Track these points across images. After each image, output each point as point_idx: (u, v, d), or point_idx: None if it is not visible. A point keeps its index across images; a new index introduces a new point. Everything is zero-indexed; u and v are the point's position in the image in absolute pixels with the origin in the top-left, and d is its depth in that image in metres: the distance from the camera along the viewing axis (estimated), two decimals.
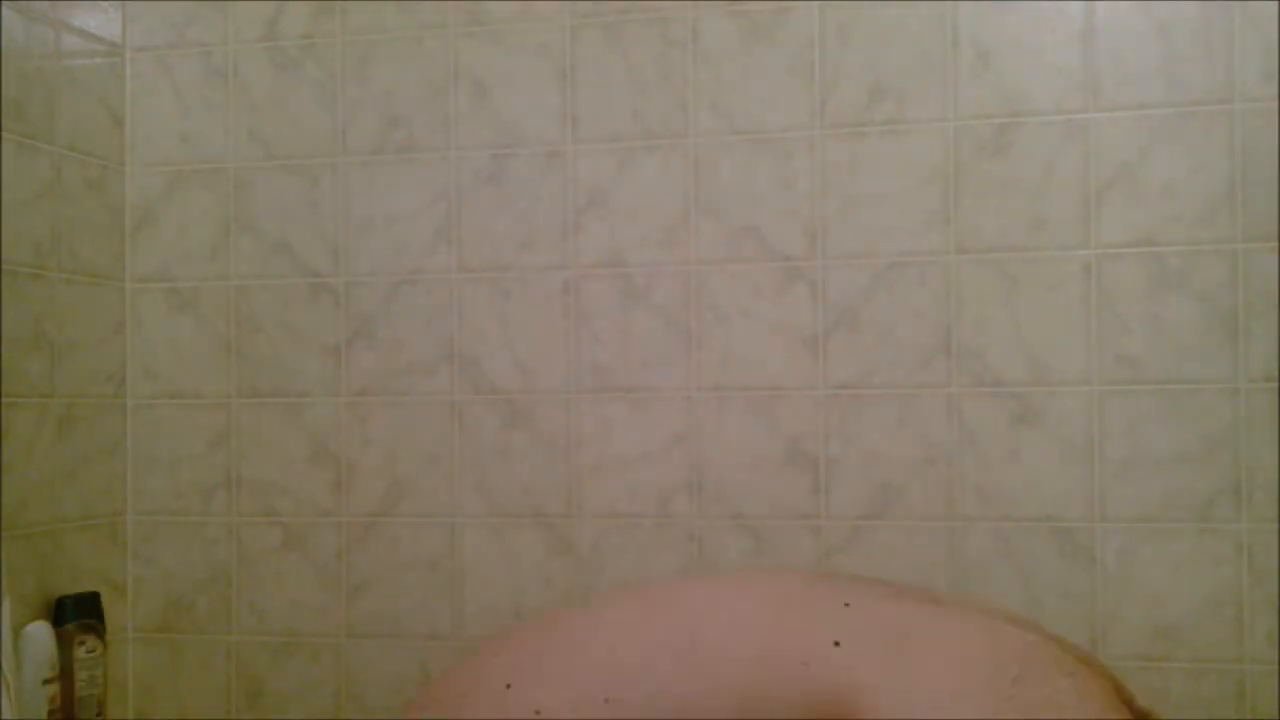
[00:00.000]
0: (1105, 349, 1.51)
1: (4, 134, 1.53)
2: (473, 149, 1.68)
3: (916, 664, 1.19)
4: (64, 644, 1.55)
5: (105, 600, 1.64)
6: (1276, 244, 1.47)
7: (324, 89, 1.72)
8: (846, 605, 1.24)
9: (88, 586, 1.64)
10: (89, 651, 1.58)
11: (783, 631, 1.24)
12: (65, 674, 1.54)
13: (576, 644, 1.29)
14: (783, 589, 1.31)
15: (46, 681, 1.50)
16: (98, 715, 1.59)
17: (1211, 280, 1.48)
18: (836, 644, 1.20)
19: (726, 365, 1.60)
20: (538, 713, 1.24)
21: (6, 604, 1.45)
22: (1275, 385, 1.47)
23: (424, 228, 1.69)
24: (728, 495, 1.60)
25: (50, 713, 1.50)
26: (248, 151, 1.74)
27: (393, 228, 1.70)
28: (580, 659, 1.27)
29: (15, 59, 1.57)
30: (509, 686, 1.26)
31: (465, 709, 1.28)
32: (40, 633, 1.52)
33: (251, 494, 1.73)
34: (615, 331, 1.63)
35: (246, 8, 1.75)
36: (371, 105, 1.71)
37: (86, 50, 1.71)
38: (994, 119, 1.54)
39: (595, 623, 1.33)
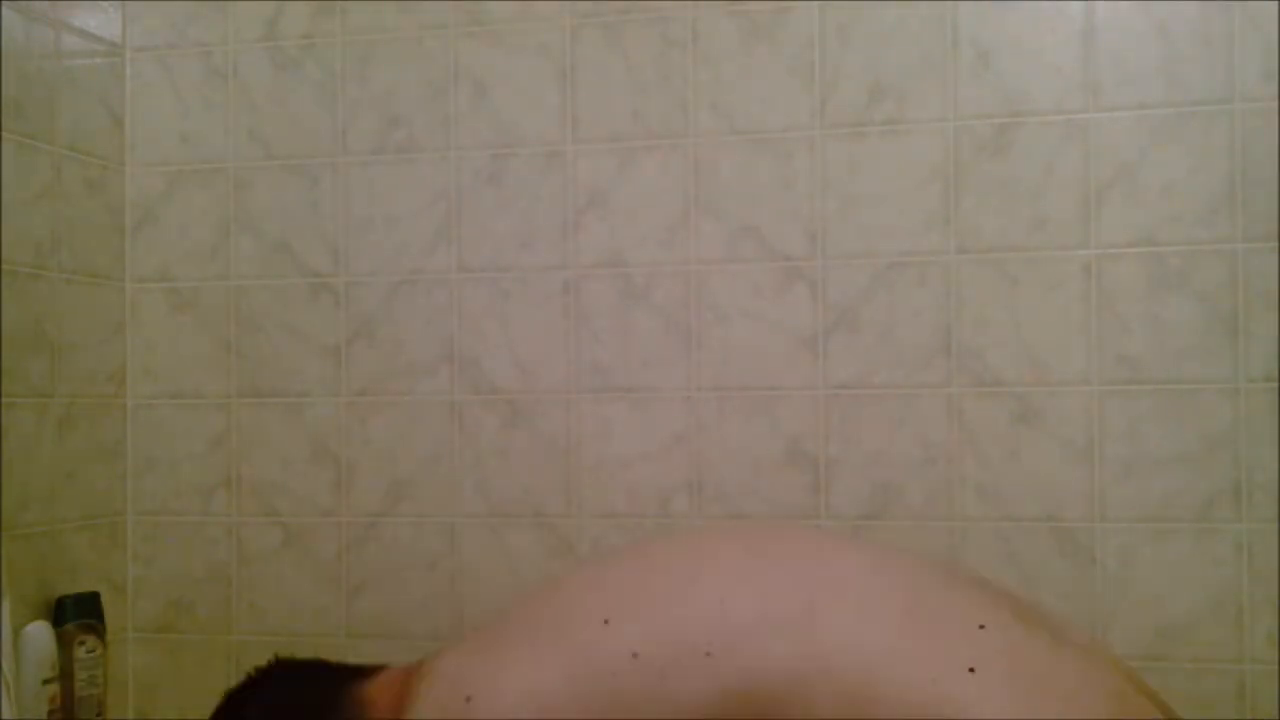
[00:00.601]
0: (1105, 349, 1.51)
1: (4, 134, 1.53)
2: (473, 149, 1.68)
3: (1044, 714, 1.08)
4: (64, 644, 1.55)
5: (105, 600, 1.64)
6: (1276, 244, 1.47)
7: (324, 89, 1.72)
8: (982, 627, 1.14)
9: (88, 586, 1.64)
10: (89, 651, 1.58)
11: (913, 635, 1.13)
12: (65, 674, 1.54)
13: (683, 590, 1.21)
14: (917, 582, 1.20)
15: (46, 681, 1.50)
16: (98, 715, 1.59)
17: (1211, 280, 1.48)
18: (971, 670, 1.09)
19: (726, 365, 1.60)
20: (635, 655, 1.17)
21: (6, 604, 1.45)
22: (1275, 385, 1.47)
23: (424, 228, 1.69)
24: (728, 495, 1.60)
25: (50, 713, 1.50)
26: (248, 151, 1.74)
27: (393, 228, 1.70)
28: (687, 608, 1.19)
29: (15, 59, 1.57)
30: (607, 622, 1.19)
31: (562, 638, 1.21)
32: (40, 633, 1.52)
33: (251, 494, 1.73)
34: (615, 331, 1.63)
35: (246, 8, 1.75)
36: (371, 105, 1.71)
37: (86, 50, 1.71)
38: (994, 119, 1.54)
39: (701, 569, 1.24)
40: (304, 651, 1.69)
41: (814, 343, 1.58)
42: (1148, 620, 1.49)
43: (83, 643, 1.57)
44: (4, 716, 1.40)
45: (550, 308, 1.65)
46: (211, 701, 1.75)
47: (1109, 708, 1.11)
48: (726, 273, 1.61)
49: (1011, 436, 1.53)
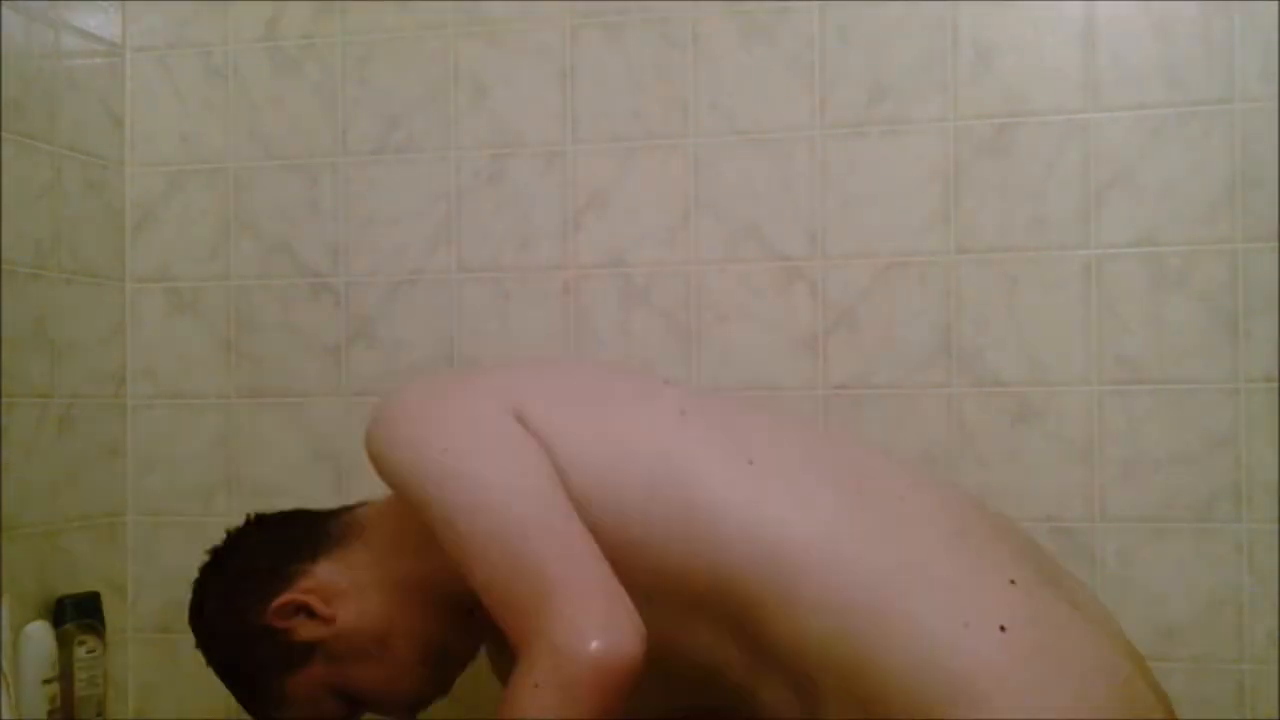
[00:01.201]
0: (1105, 349, 1.51)
1: (4, 134, 1.53)
2: (473, 149, 1.68)
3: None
4: (64, 644, 1.55)
5: (105, 600, 1.64)
6: (1276, 244, 1.47)
7: (324, 89, 1.72)
8: (1012, 583, 1.13)
9: (88, 586, 1.64)
10: (89, 651, 1.58)
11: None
12: (65, 674, 1.54)
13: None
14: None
15: (46, 681, 1.50)
16: (98, 715, 1.59)
17: (1211, 280, 1.48)
18: (1002, 629, 1.08)
19: (726, 365, 1.60)
20: (683, 412, 1.25)
21: (6, 604, 1.45)
22: (1275, 385, 1.47)
23: (424, 228, 1.69)
24: None
25: (50, 713, 1.50)
26: (248, 151, 1.74)
27: (393, 228, 1.70)
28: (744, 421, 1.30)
29: (15, 59, 1.56)
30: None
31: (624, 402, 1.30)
32: (40, 633, 1.52)
33: (251, 494, 1.73)
34: (615, 331, 1.63)
35: (246, 8, 1.74)
36: (371, 105, 1.71)
37: (86, 50, 1.71)
38: (994, 119, 1.54)
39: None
40: None
41: (814, 343, 1.58)
42: (1148, 620, 1.49)
43: (83, 643, 1.57)
44: (4, 716, 1.40)
45: (550, 308, 1.65)
46: (211, 701, 1.75)
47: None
48: (726, 273, 1.61)
49: (1011, 436, 1.53)
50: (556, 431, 1.21)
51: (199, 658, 1.77)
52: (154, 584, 1.75)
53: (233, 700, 1.76)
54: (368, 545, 1.32)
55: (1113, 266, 1.51)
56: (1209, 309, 1.48)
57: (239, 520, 1.74)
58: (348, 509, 1.40)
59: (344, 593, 1.30)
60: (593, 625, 1.07)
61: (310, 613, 1.30)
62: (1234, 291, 1.48)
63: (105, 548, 1.72)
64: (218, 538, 1.74)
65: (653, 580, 1.15)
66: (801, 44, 1.59)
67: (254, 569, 1.33)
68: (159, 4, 1.77)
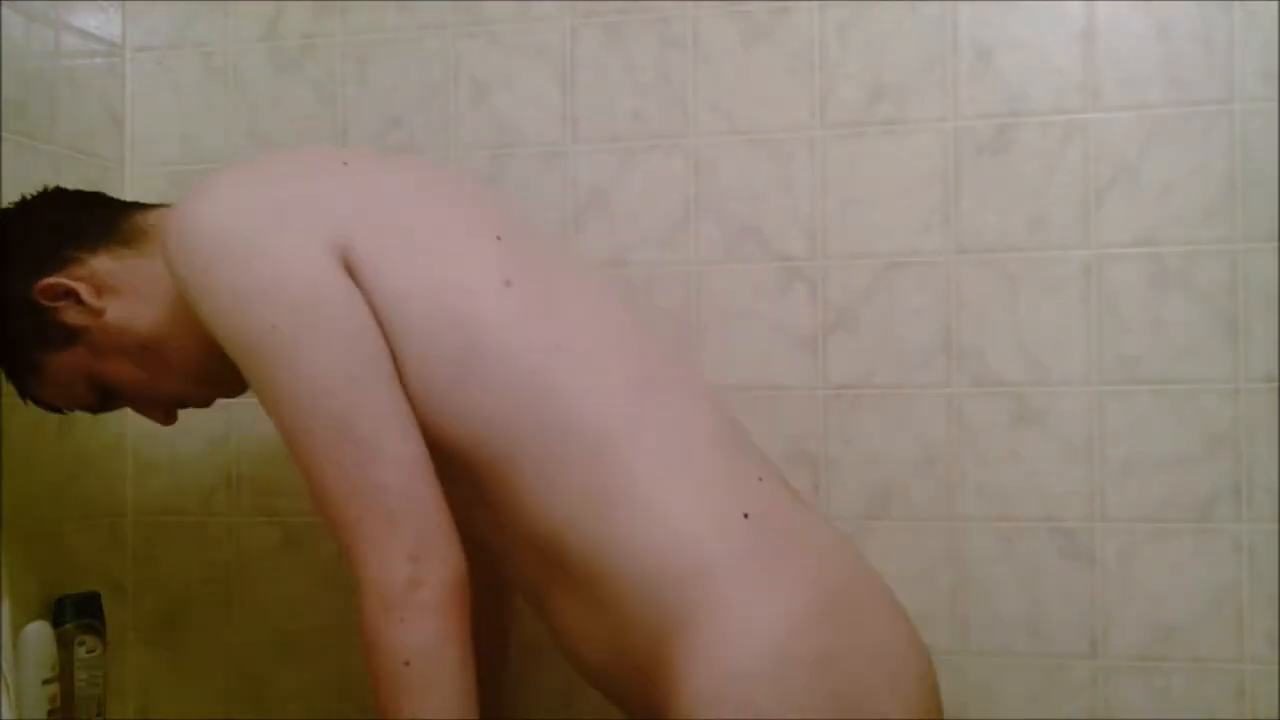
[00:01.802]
0: (1105, 349, 1.51)
1: (4, 134, 1.53)
2: (473, 149, 1.68)
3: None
4: (64, 644, 1.55)
5: (105, 600, 1.64)
6: (1276, 244, 1.47)
7: (324, 89, 1.72)
8: (760, 480, 1.22)
9: (88, 586, 1.64)
10: (89, 651, 1.58)
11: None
12: (65, 674, 1.54)
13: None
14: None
15: (46, 681, 1.50)
16: (98, 715, 1.59)
17: (1211, 280, 1.48)
18: (745, 516, 1.16)
19: (726, 365, 1.60)
20: (499, 238, 1.25)
21: (6, 604, 1.45)
22: (1275, 385, 1.47)
23: None
24: None
25: (50, 713, 1.50)
26: (248, 151, 1.74)
27: None
28: None
29: (15, 59, 1.56)
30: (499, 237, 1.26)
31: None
32: (40, 633, 1.51)
33: (251, 494, 1.73)
34: None
35: (246, 8, 1.74)
36: (371, 105, 1.71)
37: (86, 50, 1.71)
38: (994, 119, 1.54)
39: None
40: (303, 654, 1.69)
41: (814, 343, 1.58)
42: (1148, 620, 1.49)
43: (83, 643, 1.57)
44: (4, 716, 1.40)
45: None
46: (211, 701, 1.75)
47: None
48: (727, 273, 1.61)
49: (1011, 436, 1.53)
50: (385, 288, 1.18)
51: (199, 658, 1.77)
52: (154, 584, 1.76)
53: (233, 701, 1.76)
54: (156, 257, 1.26)
55: (1113, 266, 1.51)
56: (1209, 309, 1.48)
57: (239, 520, 1.75)
58: (151, 208, 1.34)
59: (118, 291, 1.28)
60: (406, 568, 1.17)
61: (79, 300, 1.28)
62: (1234, 291, 1.48)
63: (105, 548, 1.72)
64: (218, 537, 1.75)
65: (437, 436, 1.19)
66: (801, 44, 1.59)
67: (33, 244, 1.30)
68: (159, 4, 1.77)
